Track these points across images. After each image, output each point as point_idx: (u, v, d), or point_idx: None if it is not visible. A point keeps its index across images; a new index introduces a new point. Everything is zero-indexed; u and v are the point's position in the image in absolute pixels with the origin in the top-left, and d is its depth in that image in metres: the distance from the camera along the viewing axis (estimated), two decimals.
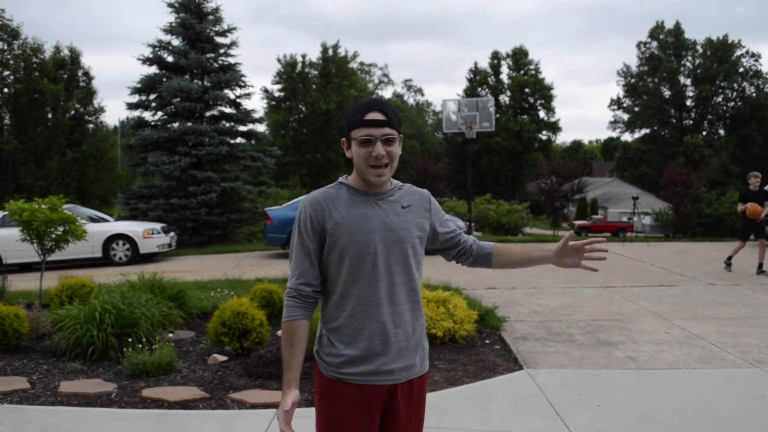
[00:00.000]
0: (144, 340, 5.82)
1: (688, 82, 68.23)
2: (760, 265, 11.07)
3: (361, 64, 77.10)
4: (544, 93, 68.97)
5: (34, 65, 36.98)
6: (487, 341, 6.55)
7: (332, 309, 2.24)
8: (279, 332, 6.68)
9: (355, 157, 2.19)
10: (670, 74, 66.59)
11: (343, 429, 2.20)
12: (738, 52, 66.06)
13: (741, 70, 66.21)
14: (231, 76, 23.00)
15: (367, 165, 2.17)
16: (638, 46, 69.99)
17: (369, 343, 2.19)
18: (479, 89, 67.69)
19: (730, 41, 65.82)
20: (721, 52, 65.53)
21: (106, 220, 16.11)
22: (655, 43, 68.98)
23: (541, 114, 70.01)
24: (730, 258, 11.43)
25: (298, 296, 2.23)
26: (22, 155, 34.66)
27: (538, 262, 2.44)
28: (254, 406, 4.69)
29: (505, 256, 2.47)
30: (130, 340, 5.80)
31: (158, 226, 15.95)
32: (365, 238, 2.17)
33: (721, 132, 69.13)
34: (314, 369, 2.34)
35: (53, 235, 7.94)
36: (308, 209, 2.23)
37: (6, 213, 8.39)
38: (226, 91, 23.25)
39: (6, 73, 37.06)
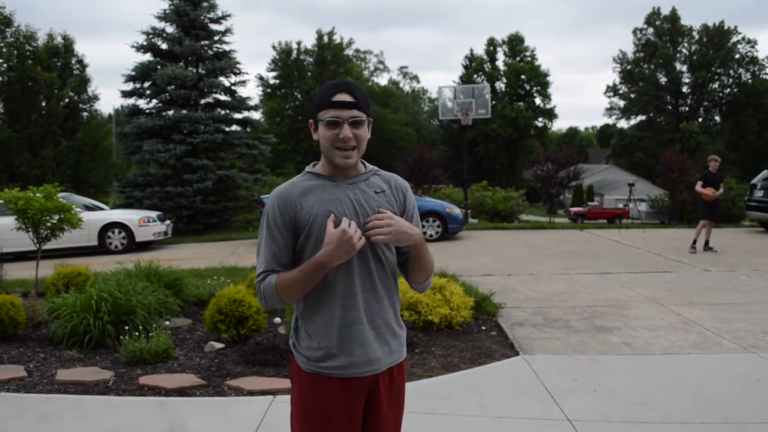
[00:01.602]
0: (141, 327, 5.82)
1: (684, 68, 68.29)
2: (707, 242, 11.91)
3: (357, 51, 76.88)
4: (540, 80, 68.90)
5: (27, 53, 36.66)
6: (484, 327, 6.57)
7: (308, 300, 2.17)
8: (275, 319, 6.70)
9: (321, 139, 2.14)
10: (666, 61, 66.59)
11: (327, 424, 2.15)
12: (734, 39, 66.11)
13: (737, 56, 66.30)
14: (226, 63, 22.91)
15: (333, 147, 2.12)
16: (634, 32, 70.00)
17: (348, 334, 2.14)
18: (475, 76, 67.60)
19: (726, 27, 65.86)
20: (717, 38, 65.55)
21: (101, 209, 16.06)
22: (651, 30, 68.94)
23: (537, 101, 70.00)
24: (706, 242, 11.86)
25: (266, 277, 2.15)
26: (16, 144, 34.47)
27: (412, 252, 2.24)
28: (251, 393, 4.70)
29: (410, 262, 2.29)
30: (126, 327, 5.80)
31: (154, 214, 15.92)
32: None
33: (717, 118, 69.27)
34: (291, 362, 2.28)
35: (48, 224, 7.91)
36: (277, 202, 2.16)
37: (1, 202, 8.33)
38: (221, 78, 23.17)
39: None
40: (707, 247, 11.92)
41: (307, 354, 2.18)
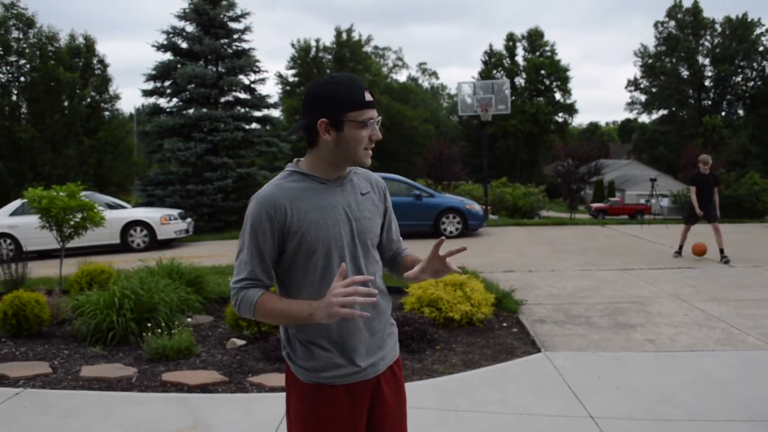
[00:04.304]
0: (163, 324, 5.87)
1: (707, 61, 67.34)
2: (722, 251, 10.32)
3: (376, 47, 77.00)
4: (560, 75, 68.44)
5: (50, 54, 37.10)
6: (505, 324, 6.54)
7: None
8: None
9: (348, 140, 2.00)
10: (689, 54, 65.75)
11: None
12: (758, 31, 65.02)
13: (761, 48, 65.19)
14: (245, 61, 23.00)
15: (362, 148, 2.02)
16: (656, 25, 69.16)
17: (348, 342, 2.07)
18: (494, 72, 67.25)
19: (749, 20, 64.79)
20: (741, 30, 64.54)
21: (123, 207, 16.23)
22: (672, 23, 68.07)
23: (557, 96, 69.55)
24: (721, 251, 10.34)
25: (249, 286, 2.05)
26: (39, 143, 34.90)
27: (416, 277, 2.17)
28: (273, 390, 4.72)
29: (403, 267, 2.28)
30: (149, 324, 5.85)
31: (175, 212, 16.04)
32: (333, 231, 2.02)
33: (741, 112, 68.22)
34: (287, 374, 2.17)
35: (72, 222, 8.00)
36: (265, 207, 1.99)
37: (25, 201, 8.45)
38: (241, 76, 23.26)
39: (22, 61, 37.24)
40: (723, 256, 10.24)
41: (305, 365, 2.08)
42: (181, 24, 23.08)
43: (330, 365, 2.06)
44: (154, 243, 14.96)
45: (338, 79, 2.01)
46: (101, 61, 40.70)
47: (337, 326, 2.05)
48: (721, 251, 10.31)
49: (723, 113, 67.18)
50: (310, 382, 2.08)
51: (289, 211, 2.00)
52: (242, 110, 23.29)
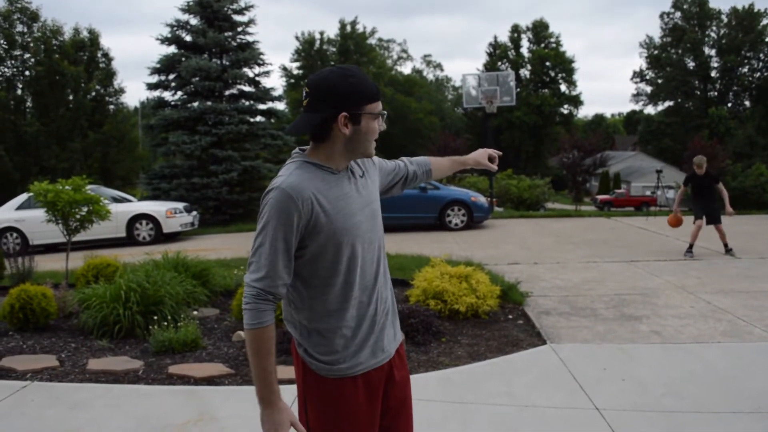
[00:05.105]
0: (169, 317, 5.89)
1: (713, 52, 66.98)
2: (726, 245, 10.20)
3: (380, 40, 76.89)
4: (565, 66, 68.26)
5: (54, 47, 37.17)
6: (510, 316, 6.54)
7: (329, 305, 2.04)
8: None
9: (364, 132, 2.00)
10: (694, 45, 65.38)
11: (356, 425, 2.08)
12: (764, 21, 64.60)
13: (767, 39, 64.80)
14: (249, 54, 22.98)
15: (372, 140, 2.05)
16: (661, 16, 68.79)
17: (366, 329, 2.08)
18: (499, 63, 67.10)
19: (756, 10, 64.36)
20: (747, 21, 64.13)
21: (129, 201, 16.26)
22: (678, 14, 67.70)
23: (563, 87, 69.38)
24: (725, 245, 10.21)
25: (273, 300, 1.99)
26: (44, 137, 35.00)
27: (464, 165, 2.79)
28: (279, 382, 4.71)
29: (439, 168, 2.69)
30: (155, 317, 5.87)
31: (181, 205, 16.07)
32: (355, 220, 2.02)
33: (747, 103, 67.82)
34: (303, 370, 2.13)
35: (78, 216, 8.01)
36: (292, 197, 1.91)
37: (31, 195, 8.47)
38: (245, 69, 23.25)
39: (27, 55, 37.31)
40: (727, 249, 10.13)
41: (326, 359, 2.06)
42: (185, 17, 23.07)
43: (350, 356, 2.06)
44: (160, 236, 15.00)
45: (353, 72, 2.00)
46: (106, 55, 40.77)
47: (356, 317, 2.07)
48: (725, 245, 10.22)
49: (729, 104, 66.81)
50: (331, 377, 2.06)
51: (315, 203, 1.94)
52: (247, 103, 23.29)
